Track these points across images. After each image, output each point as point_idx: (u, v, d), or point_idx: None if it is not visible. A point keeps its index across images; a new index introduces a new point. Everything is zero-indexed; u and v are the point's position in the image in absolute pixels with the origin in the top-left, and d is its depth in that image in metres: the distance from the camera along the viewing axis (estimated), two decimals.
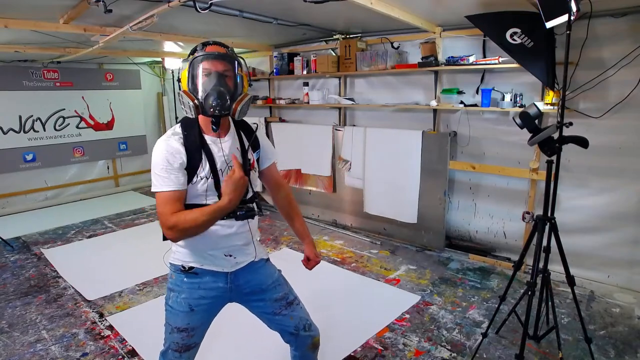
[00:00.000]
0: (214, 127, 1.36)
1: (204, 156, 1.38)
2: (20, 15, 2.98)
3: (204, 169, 1.38)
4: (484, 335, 2.30)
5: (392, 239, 4.18)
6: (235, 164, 1.32)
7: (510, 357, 2.29)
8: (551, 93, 2.92)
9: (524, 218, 3.32)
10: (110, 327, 2.70)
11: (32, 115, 5.49)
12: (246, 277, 1.53)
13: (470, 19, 2.85)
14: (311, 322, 1.64)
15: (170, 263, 1.49)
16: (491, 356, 2.33)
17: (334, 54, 4.32)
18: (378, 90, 4.22)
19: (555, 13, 2.06)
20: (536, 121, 2.04)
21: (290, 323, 1.58)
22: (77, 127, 5.96)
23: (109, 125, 6.30)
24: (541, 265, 2.09)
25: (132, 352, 2.42)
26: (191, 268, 1.45)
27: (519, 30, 2.71)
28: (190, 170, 1.36)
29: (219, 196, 1.37)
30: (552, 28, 2.38)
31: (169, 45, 4.92)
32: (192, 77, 1.36)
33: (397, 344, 2.47)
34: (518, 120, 2.07)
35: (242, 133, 1.51)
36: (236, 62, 1.39)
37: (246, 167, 1.44)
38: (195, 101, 1.32)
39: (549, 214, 2.09)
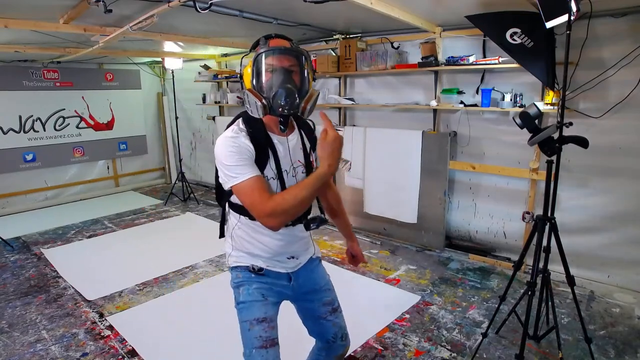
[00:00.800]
0: (282, 127, 1.29)
1: (270, 155, 1.31)
2: (20, 15, 2.99)
3: (272, 169, 1.32)
4: (484, 335, 2.30)
5: (392, 239, 4.18)
6: (327, 123, 1.24)
7: (510, 357, 2.29)
8: (551, 93, 2.92)
9: (524, 218, 3.32)
10: (110, 327, 2.70)
11: (32, 115, 5.49)
12: (305, 275, 1.51)
13: (470, 19, 2.85)
14: (347, 332, 1.61)
15: (232, 267, 1.46)
16: (491, 356, 2.33)
17: (334, 54, 4.32)
18: (378, 90, 4.22)
19: (555, 13, 2.06)
20: (536, 121, 2.05)
21: (331, 330, 1.55)
22: (77, 127, 5.96)
23: (109, 125, 6.30)
24: (541, 265, 2.09)
25: (132, 352, 2.42)
26: (260, 269, 1.42)
27: (519, 30, 2.71)
28: (259, 168, 1.28)
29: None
30: (552, 28, 2.38)
31: (169, 45, 4.92)
32: (257, 74, 1.28)
33: (397, 344, 2.47)
34: (518, 120, 2.07)
35: (302, 132, 1.44)
36: (303, 57, 1.31)
37: (309, 168, 1.41)
38: (264, 100, 1.24)
39: (549, 214, 2.09)
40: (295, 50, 1.30)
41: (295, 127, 1.43)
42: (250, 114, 1.28)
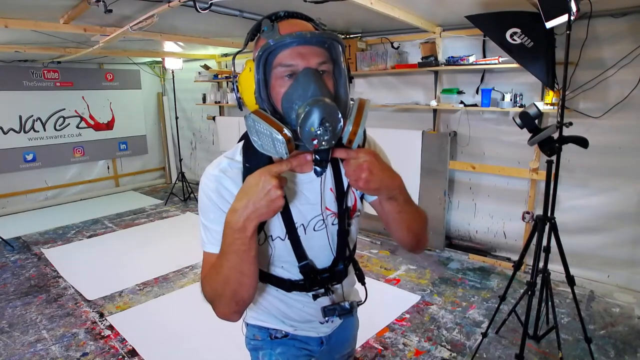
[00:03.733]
0: (318, 168, 0.81)
1: None
2: (20, 15, 2.99)
3: (273, 227, 0.91)
4: (484, 335, 2.30)
5: (392, 239, 4.18)
6: (281, 164, 0.78)
7: (510, 357, 2.29)
8: (551, 93, 2.92)
9: (524, 218, 3.32)
10: (111, 327, 2.70)
11: (32, 115, 5.49)
12: (338, 335, 1.17)
13: (470, 19, 2.85)
14: None
15: (251, 324, 1.11)
16: (491, 356, 2.33)
17: None
18: (378, 90, 4.22)
19: (555, 13, 2.07)
20: (536, 121, 2.05)
21: None
22: (77, 127, 5.96)
23: (109, 125, 6.30)
24: (541, 265, 2.09)
25: (132, 352, 2.43)
26: (285, 335, 1.07)
27: (519, 30, 2.72)
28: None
29: (301, 266, 0.94)
30: (552, 28, 2.38)
31: (169, 45, 4.92)
32: (265, 83, 0.80)
33: (397, 343, 2.47)
34: (518, 120, 2.07)
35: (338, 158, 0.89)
36: (338, 46, 0.83)
37: (344, 217, 0.96)
38: (286, 132, 0.75)
39: (549, 214, 2.09)
40: (328, 37, 0.79)
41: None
42: (260, 150, 0.80)
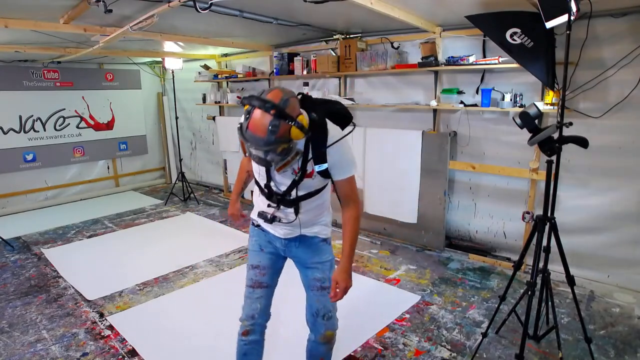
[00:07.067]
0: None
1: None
2: (20, 15, 2.99)
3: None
4: (484, 335, 2.30)
5: (392, 239, 4.18)
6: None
7: (510, 357, 2.29)
8: (551, 93, 2.92)
9: (523, 218, 3.32)
10: (111, 327, 2.70)
11: (32, 115, 5.49)
12: (296, 250, 1.74)
13: (470, 19, 2.85)
14: (333, 315, 1.74)
15: (251, 218, 1.82)
16: (491, 356, 2.33)
17: (334, 54, 4.32)
18: (378, 90, 4.22)
19: (555, 13, 2.07)
20: (536, 121, 2.05)
21: (315, 305, 1.72)
22: (77, 127, 5.97)
23: (109, 125, 6.30)
24: (541, 265, 2.09)
25: (132, 352, 2.43)
26: (258, 225, 1.79)
27: (519, 30, 2.72)
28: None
29: (267, 181, 1.63)
30: (552, 28, 2.38)
31: (169, 45, 4.92)
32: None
33: (397, 343, 2.47)
34: (518, 120, 2.07)
35: (317, 137, 1.51)
36: (279, 143, 1.36)
37: (302, 175, 1.57)
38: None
39: (549, 214, 2.09)
40: (268, 144, 1.35)
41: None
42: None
